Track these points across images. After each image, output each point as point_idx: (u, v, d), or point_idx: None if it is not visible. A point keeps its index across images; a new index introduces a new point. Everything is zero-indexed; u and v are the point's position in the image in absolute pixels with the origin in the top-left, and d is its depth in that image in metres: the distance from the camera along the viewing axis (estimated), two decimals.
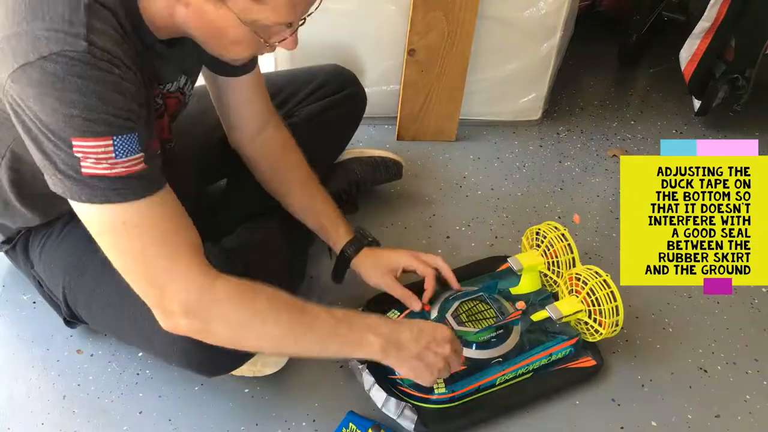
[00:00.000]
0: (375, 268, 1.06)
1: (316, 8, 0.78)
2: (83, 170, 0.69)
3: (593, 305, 1.03)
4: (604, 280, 1.03)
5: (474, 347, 1.01)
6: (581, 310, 1.04)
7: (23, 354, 1.09)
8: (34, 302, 1.17)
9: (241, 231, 1.10)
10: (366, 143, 1.59)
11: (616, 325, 1.02)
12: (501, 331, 1.02)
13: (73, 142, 0.68)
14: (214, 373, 0.94)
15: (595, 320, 1.03)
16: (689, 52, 1.65)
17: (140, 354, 1.09)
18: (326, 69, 1.27)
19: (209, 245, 0.83)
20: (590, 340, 1.06)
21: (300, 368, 1.05)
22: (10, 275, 1.22)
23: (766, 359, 1.15)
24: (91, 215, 0.73)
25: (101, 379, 1.06)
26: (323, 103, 1.22)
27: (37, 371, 1.07)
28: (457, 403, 0.99)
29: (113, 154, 0.70)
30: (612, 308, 1.01)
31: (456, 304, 1.06)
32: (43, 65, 0.66)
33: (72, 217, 0.80)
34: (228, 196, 1.22)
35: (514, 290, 1.12)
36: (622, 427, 1.03)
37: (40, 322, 1.14)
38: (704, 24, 1.59)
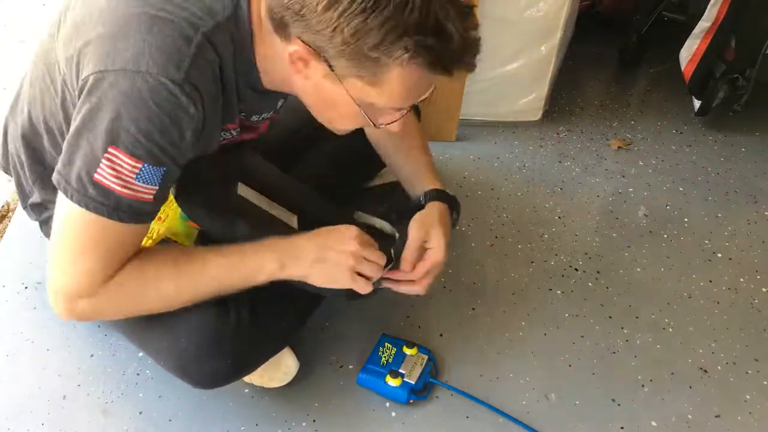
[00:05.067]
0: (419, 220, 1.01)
1: (427, 96, 0.79)
2: (96, 176, 0.71)
3: None
4: None
5: None
6: None
7: (23, 354, 1.09)
8: (35, 303, 1.17)
9: None
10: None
11: None
12: None
13: (110, 149, 0.70)
14: (200, 385, 0.93)
15: None
16: (689, 52, 1.65)
17: (140, 354, 1.09)
18: None
19: None
20: None
21: (300, 368, 1.05)
22: (10, 275, 1.22)
23: (766, 359, 1.15)
24: (70, 213, 0.74)
25: (101, 379, 1.06)
26: None
27: (37, 371, 1.07)
28: None
29: (134, 177, 0.72)
30: None
31: None
32: (135, 79, 0.69)
33: None
34: None
35: None
36: (622, 427, 1.03)
37: (40, 322, 1.14)
38: (704, 24, 1.59)
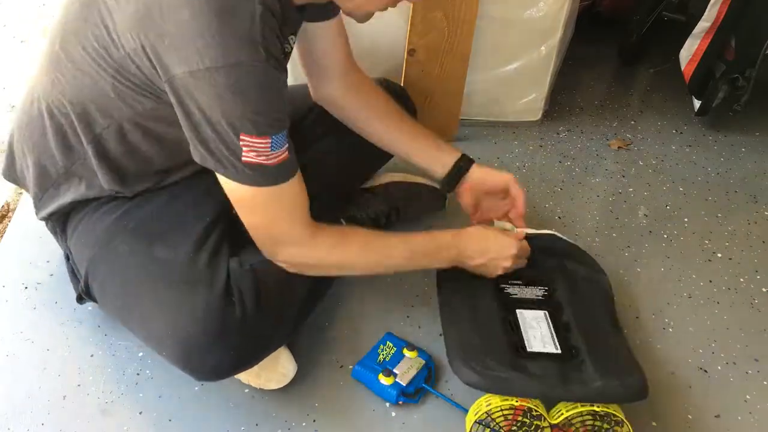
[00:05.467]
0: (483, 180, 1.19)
1: None
2: (243, 158, 0.81)
3: None
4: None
5: None
6: None
7: (23, 354, 1.09)
8: (35, 303, 1.17)
9: None
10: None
11: None
12: None
13: (242, 137, 0.79)
14: (202, 376, 0.94)
15: None
16: (689, 52, 1.65)
17: (140, 354, 1.09)
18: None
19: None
20: None
21: (300, 368, 1.05)
22: (10, 275, 1.22)
23: (766, 359, 1.15)
24: (238, 191, 0.85)
25: (101, 379, 1.06)
26: None
27: (37, 371, 1.07)
28: None
29: (269, 149, 0.81)
30: None
31: None
32: (229, 72, 0.76)
33: (114, 198, 0.99)
34: None
35: None
36: None
37: (40, 322, 1.14)
38: (704, 24, 1.59)
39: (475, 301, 1.08)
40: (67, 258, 1.06)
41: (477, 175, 1.18)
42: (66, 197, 1.00)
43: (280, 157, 0.83)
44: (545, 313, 1.06)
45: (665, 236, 1.41)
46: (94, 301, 1.03)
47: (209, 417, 1.01)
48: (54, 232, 1.08)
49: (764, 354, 1.16)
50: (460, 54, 1.49)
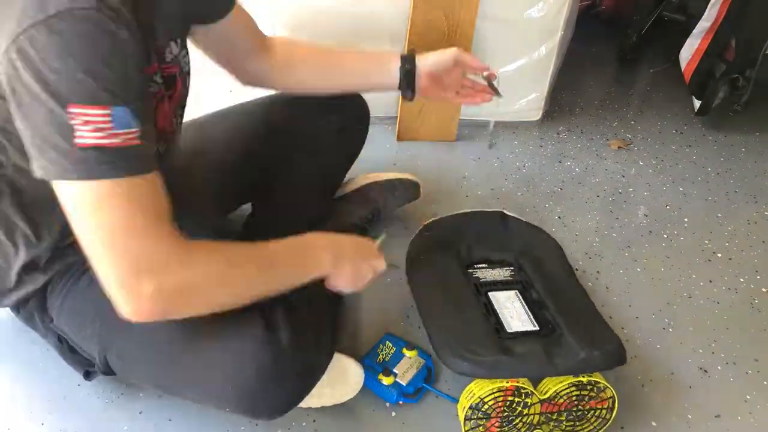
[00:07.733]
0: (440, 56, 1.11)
1: None
2: (78, 140, 0.64)
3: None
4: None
5: None
6: None
7: (23, 354, 1.09)
8: None
9: None
10: (366, 143, 1.59)
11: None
12: None
13: (70, 109, 0.63)
14: (272, 413, 0.88)
15: None
16: (689, 52, 1.66)
17: None
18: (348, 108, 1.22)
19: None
20: None
21: None
22: None
23: (766, 359, 1.15)
24: (78, 193, 0.66)
25: (101, 379, 1.05)
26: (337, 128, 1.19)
27: (37, 371, 1.07)
28: None
29: (111, 123, 0.65)
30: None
31: None
32: (50, 24, 0.61)
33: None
34: (258, 222, 1.21)
35: None
36: (622, 427, 1.03)
37: None
38: (704, 24, 1.59)
39: (447, 289, 1.10)
40: (61, 340, 0.94)
41: (426, 62, 1.10)
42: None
43: (128, 139, 0.66)
44: (516, 292, 1.10)
45: (665, 236, 1.41)
46: (112, 374, 0.93)
47: (209, 417, 1.01)
48: (30, 319, 0.95)
49: (764, 354, 1.16)
50: None
